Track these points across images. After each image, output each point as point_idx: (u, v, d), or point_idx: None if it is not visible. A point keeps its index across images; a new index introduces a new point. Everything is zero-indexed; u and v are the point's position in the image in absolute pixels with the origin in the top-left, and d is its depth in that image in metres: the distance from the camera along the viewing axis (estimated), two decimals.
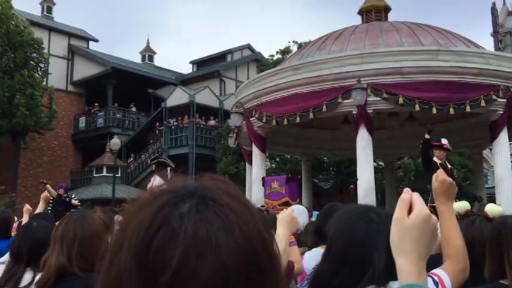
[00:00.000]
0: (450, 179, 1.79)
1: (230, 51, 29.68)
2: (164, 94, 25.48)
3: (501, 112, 9.53)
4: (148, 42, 32.23)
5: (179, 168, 17.99)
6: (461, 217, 2.33)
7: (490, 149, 12.05)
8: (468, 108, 9.42)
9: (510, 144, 12.75)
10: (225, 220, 0.56)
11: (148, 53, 31.84)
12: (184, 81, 27.79)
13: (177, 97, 24.53)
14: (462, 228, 2.26)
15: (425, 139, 8.07)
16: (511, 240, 1.79)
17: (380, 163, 18.09)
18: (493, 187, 10.45)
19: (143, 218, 0.57)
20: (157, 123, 24.65)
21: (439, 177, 1.75)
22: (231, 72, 27.95)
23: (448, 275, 1.53)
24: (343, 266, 1.43)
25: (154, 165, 7.15)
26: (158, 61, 36.31)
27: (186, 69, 31.43)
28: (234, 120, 11.83)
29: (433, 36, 11.07)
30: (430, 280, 1.46)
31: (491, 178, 16.74)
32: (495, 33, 31.96)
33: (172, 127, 24.12)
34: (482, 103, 9.39)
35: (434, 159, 7.77)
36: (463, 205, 2.34)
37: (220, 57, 29.45)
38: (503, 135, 9.70)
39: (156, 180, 6.11)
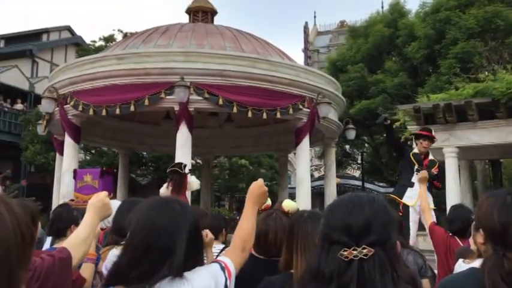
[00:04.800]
0: (266, 189, 2.01)
1: (47, 31, 27.01)
2: None
3: (305, 120, 10.65)
4: None
5: None
6: (261, 211, 2.57)
7: (294, 153, 13.37)
8: (279, 115, 10.31)
9: (310, 149, 14.36)
10: None
11: None
12: None
13: None
14: (260, 220, 2.49)
15: (387, 127, 6.92)
16: (301, 231, 2.01)
17: (198, 161, 18.58)
18: (295, 187, 11.62)
19: None
20: None
21: (259, 181, 2.02)
22: (46, 53, 25.44)
23: (231, 260, 1.74)
24: (144, 257, 1.42)
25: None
26: None
27: None
28: (46, 106, 10.80)
29: (253, 44, 11.83)
30: (217, 265, 1.65)
31: (293, 179, 18.57)
32: (306, 50, 35.72)
33: None
34: (291, 111, 10.38)
35: (415, 150, 6.40)
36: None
37: (34, 35, 26.56)
38: (306, 141, 10.83)
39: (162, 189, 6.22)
